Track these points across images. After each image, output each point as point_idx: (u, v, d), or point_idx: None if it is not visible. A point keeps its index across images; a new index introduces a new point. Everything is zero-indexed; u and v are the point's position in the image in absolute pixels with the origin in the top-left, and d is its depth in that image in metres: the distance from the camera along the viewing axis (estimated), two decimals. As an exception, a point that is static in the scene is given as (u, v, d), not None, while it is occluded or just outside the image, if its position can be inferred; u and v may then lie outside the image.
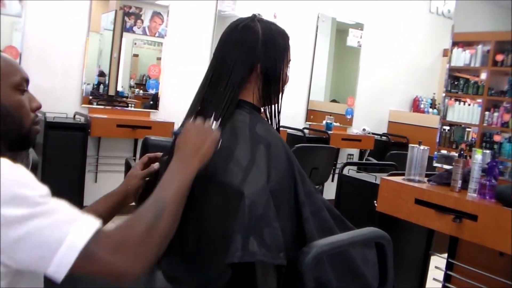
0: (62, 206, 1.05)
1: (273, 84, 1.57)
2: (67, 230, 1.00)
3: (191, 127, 1.36)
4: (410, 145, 2.77)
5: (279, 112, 1.65)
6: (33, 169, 2.66)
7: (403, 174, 2.83)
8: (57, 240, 0.99)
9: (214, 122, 1.40)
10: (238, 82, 1.51)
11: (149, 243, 1.09)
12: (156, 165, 1.59)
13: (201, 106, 1.53)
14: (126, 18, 5.15)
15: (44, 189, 1.06)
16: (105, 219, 1.52)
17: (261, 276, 1.43)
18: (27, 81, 1.26)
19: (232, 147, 1.42)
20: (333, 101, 7.05)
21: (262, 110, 1.63)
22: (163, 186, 1.21)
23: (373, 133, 6.78)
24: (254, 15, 1.60)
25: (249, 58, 1.52)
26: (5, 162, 1.03)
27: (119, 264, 1.03)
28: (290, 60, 1.62)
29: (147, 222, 1.10)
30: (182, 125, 1.47)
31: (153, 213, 1.12)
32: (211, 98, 1.52)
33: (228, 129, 1.46)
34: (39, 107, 1.27)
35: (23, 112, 1.22)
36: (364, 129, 6.71)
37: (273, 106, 1.63)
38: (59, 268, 0.99)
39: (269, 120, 1.64)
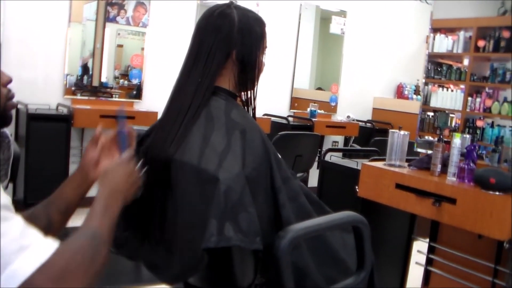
0: (15, 229, 0.99)
1: (249, 71, 1.57)
2: (12, 260, 0.95)
3: (119, 168, 1.31)
4: (390, 130, 2.79)
5: (255, 99, 1.66)
6: (15, 162, 2.64)
7: (384, 160, 2.85)
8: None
9: (141, 167, 1.37)
10: (214, 69, 1.52)
11: (89, 275, 1.05)
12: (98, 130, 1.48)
13: (178, 94, 1.54)
14: (109, 8, 5.11)
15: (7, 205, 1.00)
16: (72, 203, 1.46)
17: (238, 261, 1.45)
18: None
19: (207, 134, 1.43)
20: (319, 88, 7.05)
21: (239, 96, 1.64)
22: (95, 217, 1.17)
23: (357, 120, 6.80)
24: (231, 2, 1.61)
25: (225, 45, 1.52)
26: None
27: None
28: (266, 47, 1.63)
29: (88, 254, 1.07)
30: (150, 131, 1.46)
31: (92, 246, 1.09)
32: (188, 85, 1.52)
33: (204, 116, 1.47)
34: (9, 81, 1.21)
35: None
36: (348, 116, 6.74)
37: (249, 92, 1.64)
38: None
39: (245, 107, 1.65)
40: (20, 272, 0.95)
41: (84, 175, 1.43)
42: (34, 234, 1.02)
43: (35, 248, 0.99)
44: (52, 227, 1.39)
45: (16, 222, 1.00)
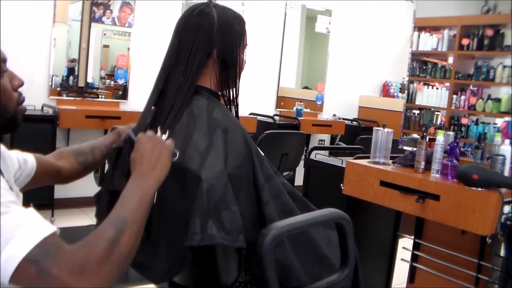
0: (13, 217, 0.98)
1: (230, 69, 1.58)
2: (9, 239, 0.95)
3: (144, 140, 1.30)
4: (374, 128, 2.81)
5: (237, 97, 1.67)
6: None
7: (369, 157, 2.86)
8: None
9: (163, 134, 1.37)
10: (195, 68, 1.52)
11: (110, 262, 1.01)
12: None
13: (160, 94, 1.54)
14: (95, 8, 5.09)
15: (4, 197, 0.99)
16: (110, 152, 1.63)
17: (221, 259, 1.45)
18: (4, 60, 1.18)
19: (190, 132, 1.44)
20: (305, 87, 7.07)
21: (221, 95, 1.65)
22: (123, 203, 1.14)
23: (343, 119, 6.83)
24: (210, 1, 1.61)
25: (206, 44, 1.53)
26: None
27: (78, 285, 0.96)
28: (246, 45, 1.64)
29: (108, 239, 1.03)
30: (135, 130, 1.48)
31: (114, 231, 1.05)
32: (169, 85, 1.53)
33: (186, 115, 1.47)
34: (21, 84, 1.22)
35: (6, 95, 1.16)
36: (334, 115, 6.77)
37: (231, 91, 1.65)
38: None
39: (227, 105, 1.66)
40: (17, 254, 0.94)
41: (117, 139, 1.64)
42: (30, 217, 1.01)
43: (30, 228, 0.98)
44: (95, 164, 1.65)
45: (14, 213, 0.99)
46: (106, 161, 1.67)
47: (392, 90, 7.58)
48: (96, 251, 1.00)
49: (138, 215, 1.13)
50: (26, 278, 0.95)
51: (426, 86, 4.15)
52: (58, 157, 1.56)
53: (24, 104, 1.26)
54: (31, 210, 1.01)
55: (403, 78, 7.53)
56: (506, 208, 2.27)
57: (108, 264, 1.00)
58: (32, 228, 0.98)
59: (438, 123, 4.20)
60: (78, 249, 1.00)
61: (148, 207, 1.17)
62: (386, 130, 2.76)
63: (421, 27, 4.07)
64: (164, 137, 1.35)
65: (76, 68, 5.07)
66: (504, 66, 3.55)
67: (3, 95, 1.15)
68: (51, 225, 1.00)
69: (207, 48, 1.53)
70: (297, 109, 6.42)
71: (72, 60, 5.04)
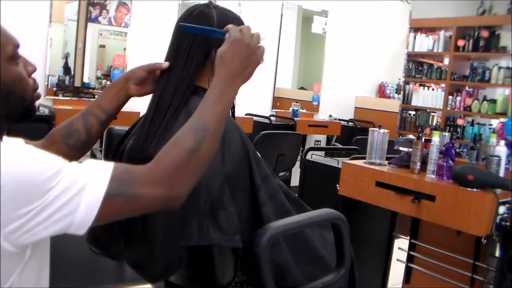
0: (72, 173, 1.01)
1: None
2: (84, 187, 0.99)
3: (242, 43, 1.25)
4: (370, 129, 2.82)
5: None
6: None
7: (365, 158, 2.87)
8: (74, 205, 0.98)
9: (263, 35, 1.32)
10: (194, 69, 1.52)
11: (192, 168, 1.09)
12: (165, 64, 1.52)
13: (158, 94, 1.54)
14: (91, 8, 5.09)
15: (52, 168, 0.99)
16: (109, 112, 1.54)
17: (218, 259, 1.46)
18: (18, 46, 1.15)
19: None
20: (301, 88, 7.08)
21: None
22: (207, 109, 1.16)
23: (339, 119, 6.84)
24: (210, 2, 1.61)
25: (204, 45, 1.53)
26: (8, 150, 0.96)
27: (164, 193, 1.05)
28: None
29: (188, 149, 1.09)
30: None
31: (194, 140, 1.10)
32: (167, 85, 1.53)
33: (184, 115, 1.47)
34: (34, 70, 1.20)
35: (23, 84, 1.14)
36: (330, 115, 6.77)
37: None
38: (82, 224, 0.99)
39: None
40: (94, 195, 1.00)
41: (125, 86, 1.53)
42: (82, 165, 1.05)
43: (95, 172, 1.03)
44: (91, 139, 1.51)
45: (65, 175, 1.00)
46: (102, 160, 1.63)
47: (388, 91, 7.60)
48: (176, 161, 1.07)
49: (221, 123, 1.17)
50: (115, 211, 1.03)
51: (422, 87, 4.15)
52: (48, 144, 1.48)
53: None
54: (74, 163, 1.06)
55: (399, 79, 7.54)
56: (501, 209, 2.29)
57: (187, 171, 1.08)
58: (96, 172, 1.03)
59: (433, 124, 4.20)
60: (156, 163, 1.07)
61: (228, 112, 1.22)
62: (382, 130, 2.77)
63: (417, 28, 4.07)
64: (262, 42, 1.30)
65: (72, 68, 5.06)
66: (500, 67, 3.55)
67: (20, 83, 1.12)
68: (107, 162, 1.07)
69: (206, 49, 1.52)
70: (293, 109, 6.43)
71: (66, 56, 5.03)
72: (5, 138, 1.07)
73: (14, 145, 1.00)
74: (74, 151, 1.48)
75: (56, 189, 0.97)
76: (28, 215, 0.94)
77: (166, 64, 1.50)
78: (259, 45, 1.29)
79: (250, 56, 1.26)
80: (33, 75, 1.21)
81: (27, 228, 0.95)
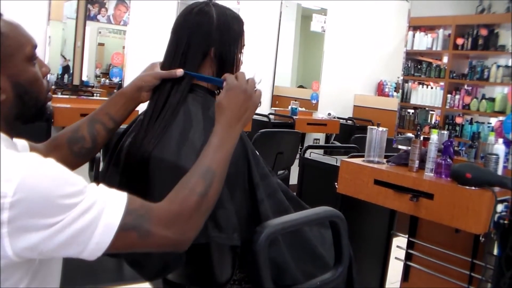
0: (94, 197, 1.00)
1: (227, 68, 1.57)
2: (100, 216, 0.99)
3: (238, 90, 1.31)
4: (369, 127, 2.82)
5: None
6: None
7: (363, 156, 2.87)
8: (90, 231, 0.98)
9: (258, 78, 1.37)
10: (192, 67, 1.52)
11: (201, 212, 1.14)
12: (179, 72, 1.49)
13: (159, 92, 1.54)
14: (90, 7, 5.08)
15: (75, 186, 0.99)
16: (117, 120, 1.51)
17: (216, 257, 1.46)
18: (36, 47, 1.15)
19: (186, 130, 1.43)
20: (300, 86, 7.08)
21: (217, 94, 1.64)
22: (213, 153, 1.21)
23: (338, 118, 6.83)
24: (209, 0, 1.61)
25: (204, 43, 1.53)
26: (32, 163, 0.95)
27: (175, 236, 1.08)
28: (244, 45, 1.63)
29: (199, 193, 1.13)
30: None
31: (204, 184, 1.15)
32: (167, 83, 1.53)
33: (182, 113, 1.47)
34: (48, 71, 1.21)
35: (39, 85, 1.14)
36: (329, 114, 6.77)
37: None
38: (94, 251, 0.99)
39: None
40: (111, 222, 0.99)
41: (136, 95, 1.51)
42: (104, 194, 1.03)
43: (110, 203, 1.02)
44: (96, 147, 1.49)
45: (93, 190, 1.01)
46: (101, 158, 1.63)
47: (386, 89, 7.60)
48: (189, 205, 1.11)
49: (225, 167, 1.22)
50: (127, 244, 1.02)
51: (420, 86, 4.16)
52: (51, 147, 1.46)
53: None
54: (93, 185, 1.04)
55: (398, 77, 7.53)
56: (499, 207, 2.29)
57: (197, 215, 1.13)
58: (111, 200, 1.02)
59: (432, 122, 4.21)
60: (170, 204, 1.10)
61: (230, 157, 1.26)
62: (380, 129, 2.77)
63: (415, 26, 4.07)
64: (257, 83, 1.36)
65: (71, 66, 5.06)
66: (498, 66, 3.55)
67: (36, 84, 1.13)
68: (120, 192, 1.06)
69: (205, 47, 1.52)
70: (292, 108, 6.42)
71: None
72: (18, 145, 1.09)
73: (41, 161, 0.98)
74: (78, 158, 1.47)
75: (77, 210, 0.97)
76: (48, 230, 0.94)
77: (181, 71, 1.49)
78: (255, 89, 1.34)
79: (247, 101, 1.31)
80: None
81: (40, 249, 0.95)
